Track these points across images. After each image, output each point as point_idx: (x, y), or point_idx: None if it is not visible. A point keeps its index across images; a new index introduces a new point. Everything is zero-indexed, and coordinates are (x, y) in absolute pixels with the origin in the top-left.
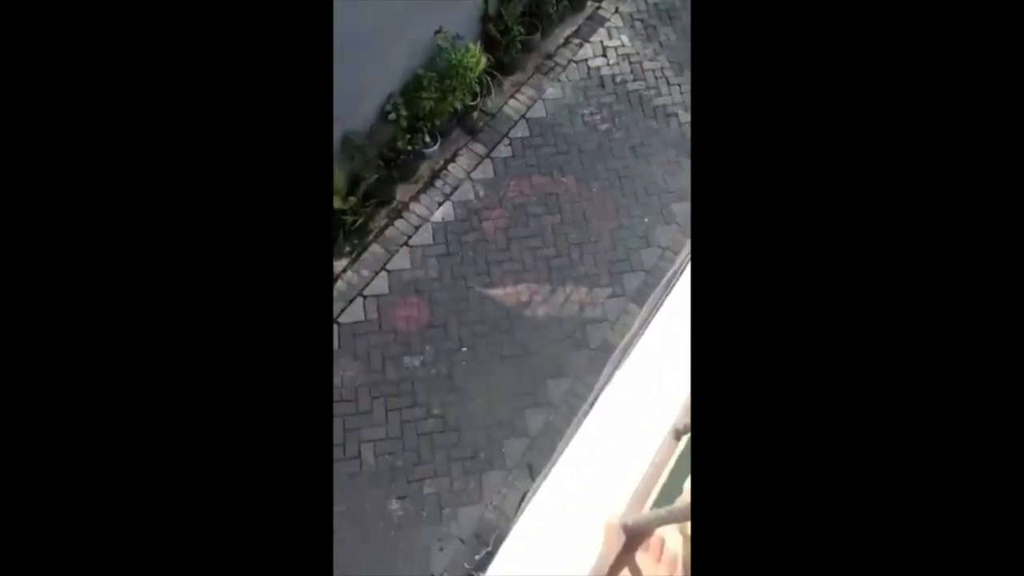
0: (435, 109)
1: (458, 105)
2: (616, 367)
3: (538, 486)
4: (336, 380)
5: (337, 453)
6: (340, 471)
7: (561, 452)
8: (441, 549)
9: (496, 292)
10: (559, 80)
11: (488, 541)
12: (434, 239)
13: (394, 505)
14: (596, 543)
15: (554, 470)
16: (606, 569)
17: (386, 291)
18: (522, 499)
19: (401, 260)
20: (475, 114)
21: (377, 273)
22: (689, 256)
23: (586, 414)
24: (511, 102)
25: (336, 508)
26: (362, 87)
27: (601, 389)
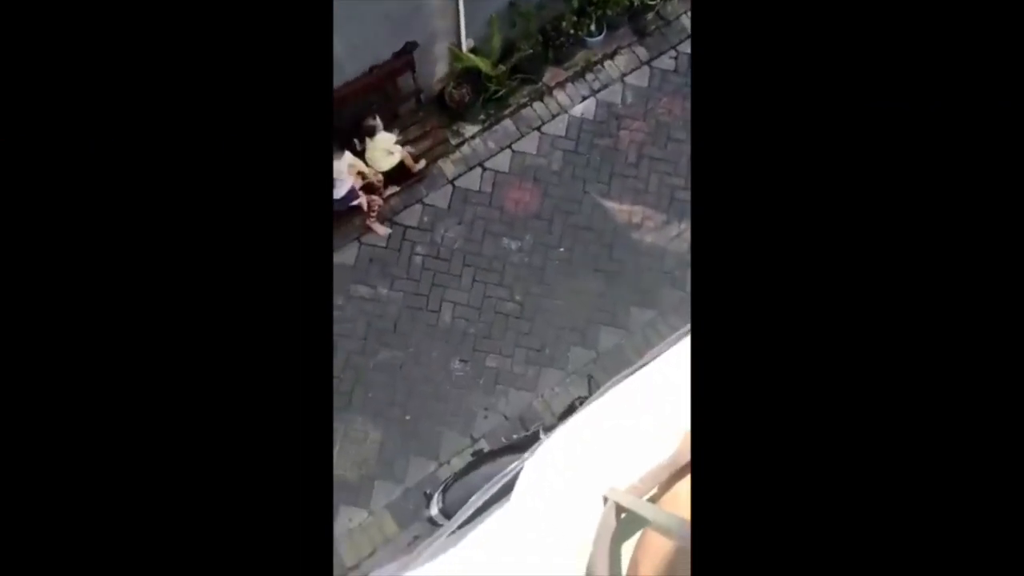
0: None
1: (636, 0)
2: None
3: (596, 398)
4: (437, 237)
5: (419, 303)
6: (419, 319)
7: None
8: (486, 417)
9: (610, 204)
10: None
11: (528, 427)
12: (567, 132)
13: (456, 365)
14: (655, 451)
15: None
16: (677, 467)
17: (506, 169)
18: (572, 403)
19: (529, 143)
20: (650, 15)
21: (503, 149)
22: None
23: (661, 352)
24: (691, 14)
25: (407, 351)
26: None
27: (684, 335)
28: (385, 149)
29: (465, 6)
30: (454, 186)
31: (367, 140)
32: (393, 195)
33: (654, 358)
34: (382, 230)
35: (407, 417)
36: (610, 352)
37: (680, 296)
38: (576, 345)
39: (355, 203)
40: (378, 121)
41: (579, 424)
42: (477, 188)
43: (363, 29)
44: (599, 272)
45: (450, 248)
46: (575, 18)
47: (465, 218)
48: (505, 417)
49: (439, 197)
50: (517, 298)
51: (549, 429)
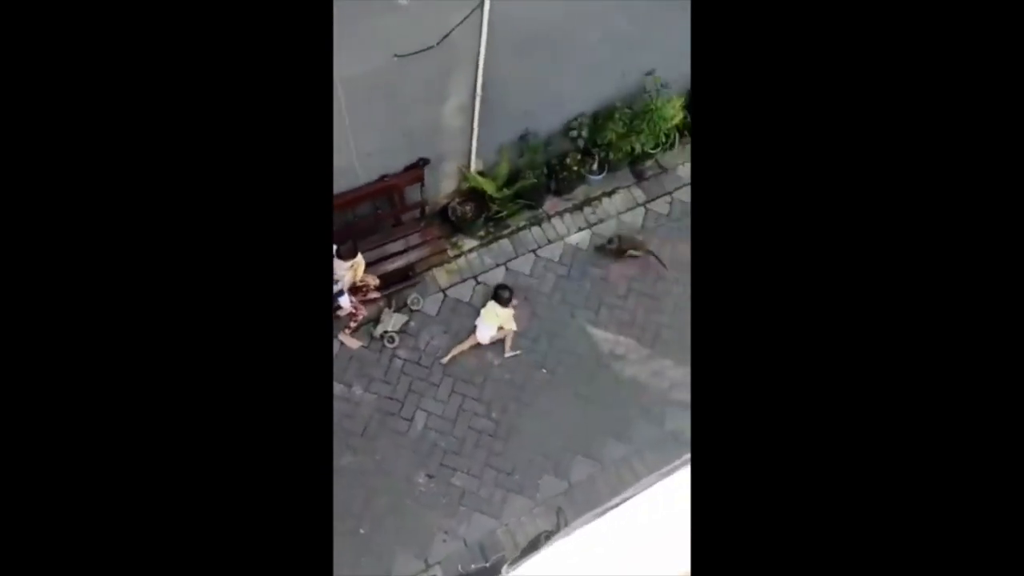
0: (615, 143)
1: (638, 147)
2: (685, 464)
3: (565, 533)
4: (421, 343)
5: (393, 407)
6: (389, 425)
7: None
8: (444, 541)
9: (596, 332)
10: None
11: (488, 557)
12: (561, 258)
13: (421, 479)
14: None
15: (590, 525)
16: None
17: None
18: (538, 536)
19: (523, 264)
20: (649, 162)
21: (498, 266)
22: None
23: (643, 489)
24: (688, 165)
25: (373, 457)
26: (559, 97)
27: (661, 476)
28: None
29: (479, 133)
30: (445, 295)
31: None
32: (382, 298)
33: (626, 500)
34: (354, 343)
35: (361, 530)
36: (582, 484)
37: (658, 433)
38: (548, 473)
39: (340, 305)
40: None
41: (543, 564)
42: (468, 300)
43: (380, 139)
44: (579, 399)
45: (432, 356)
46: (579, 156)
47: (452, 327)
48: (465, 543)
49: (429, 304)
50: (493, 415)
51: (512, 563)
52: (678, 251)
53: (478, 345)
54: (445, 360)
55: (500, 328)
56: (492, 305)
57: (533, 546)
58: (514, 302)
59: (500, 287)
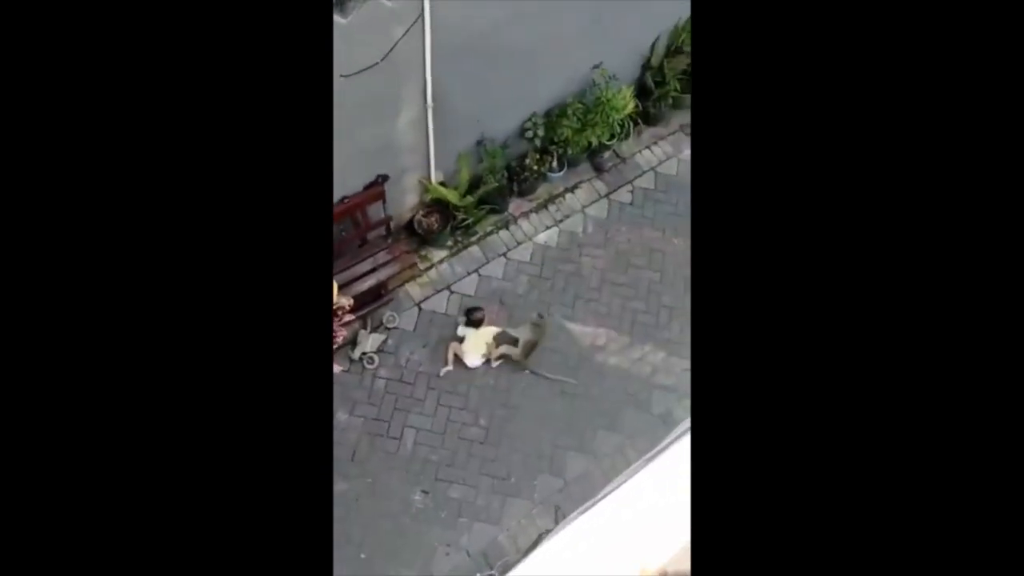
0: (571, 139)
1: (594, 140)
2: (675, 441)
3: (563, 526)
4: (402, 359)
5: (380, 428)
6: (379, 447)
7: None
8: (447, 554)
9: (574, 327)
10: None
11: (493, 564)
12: (531, 258)
13: (417, 496)
14: None
15: (584, 516)
16: None
17: (472, 292)
18: (539, 536)
19: (495, 268)
20: (607, 154)
21: (469, 274)
22: None
23: (634, 473)
24: (645, 152)
25: (365, 481)
26: (510, 99)
27: (655, 455)
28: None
29: (435, 143)
30: (420, 308)
31: None
32: (357, 319)
33: (616, 487)
34: (334, 368)
35: (362, 556)
36: (578, 479)
37: (646, 419)
38: (543, 472)
39: None
40: None
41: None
42: (444, 311)
43: (335, 161)
44: (565, 395)
45: (414, 372)
46: (538, 156)
47: (430, 340)
48: (468, 554)
49: (405, 320)
50: (482, 422)
51: (515, 566)
52: (644, 237)
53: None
54: (442, 374)
55: (484, 354)
56: (471, 333)
57: (535, 547)
58: (481, 315)
59: (469, 311)
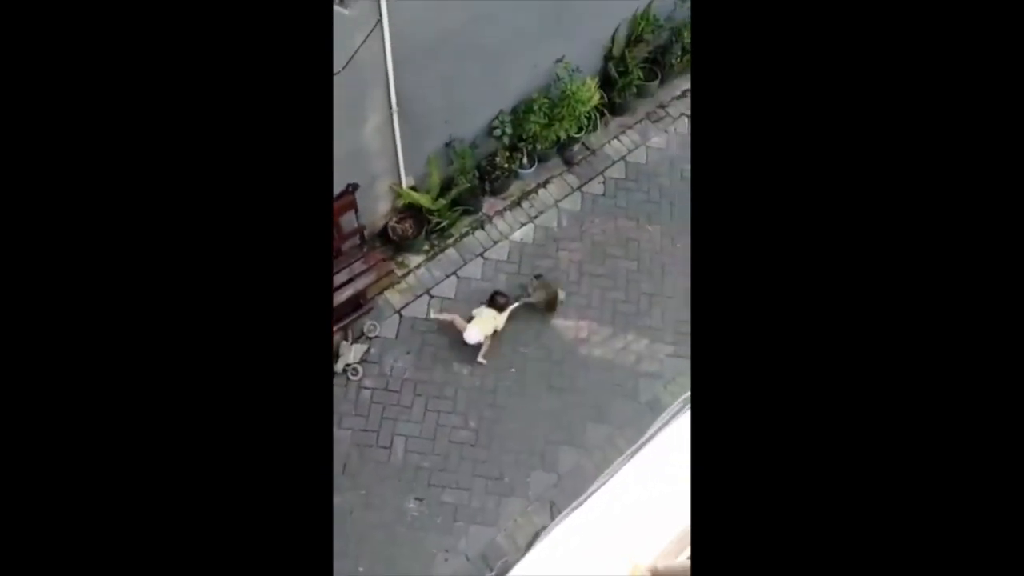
0: (539, 134)
1: (562, 134)
2: (663, 427)
3: (556, 524)
4: (386, 368)
5: (369, 439)
6: (369, 457)
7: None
8: (446, 560)
9: (557, 321)
10: (667, 131)
11: (493, 566)
12: (509, 256)
13: (411, 504)
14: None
15: (576, 512)
16: None
17: (452, 295)
18: (536, 533)
19: (473, 269)
20: (576, 147)
21: (448, 276)
22: None
23: (622, 465)
24: (614, 142)
25: (358, 493)
26: (476, 99)
27: (642, 445)
28: None
29: (403, 148)
30: (401, 315)
31: None
32: (337, 331)
33: (607, 480)
34: None
35: (360, 569)
36: (571, 473)
37: (634, 407)
38: (536, 469)
39: None
40: None
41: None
42: (424, 315)
43: None
44: (552, 390)
45: (399, 379)
46: (508, 153)
47: (412, 346)
48: (467, 558)
49: (387, 328)
50: (471, 424)
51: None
52: (619, 227)
53: (457, 332)
54: (434, 315)
55: (486, 336)
56: (485, 311)
57: (532, 545)
58: (503, 299)
59: (493, 294)
